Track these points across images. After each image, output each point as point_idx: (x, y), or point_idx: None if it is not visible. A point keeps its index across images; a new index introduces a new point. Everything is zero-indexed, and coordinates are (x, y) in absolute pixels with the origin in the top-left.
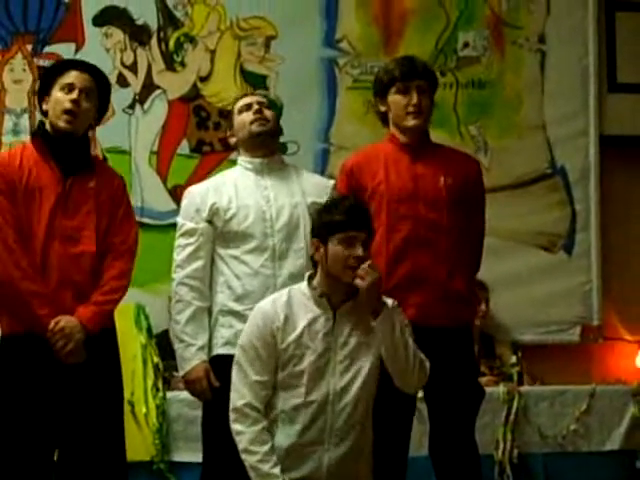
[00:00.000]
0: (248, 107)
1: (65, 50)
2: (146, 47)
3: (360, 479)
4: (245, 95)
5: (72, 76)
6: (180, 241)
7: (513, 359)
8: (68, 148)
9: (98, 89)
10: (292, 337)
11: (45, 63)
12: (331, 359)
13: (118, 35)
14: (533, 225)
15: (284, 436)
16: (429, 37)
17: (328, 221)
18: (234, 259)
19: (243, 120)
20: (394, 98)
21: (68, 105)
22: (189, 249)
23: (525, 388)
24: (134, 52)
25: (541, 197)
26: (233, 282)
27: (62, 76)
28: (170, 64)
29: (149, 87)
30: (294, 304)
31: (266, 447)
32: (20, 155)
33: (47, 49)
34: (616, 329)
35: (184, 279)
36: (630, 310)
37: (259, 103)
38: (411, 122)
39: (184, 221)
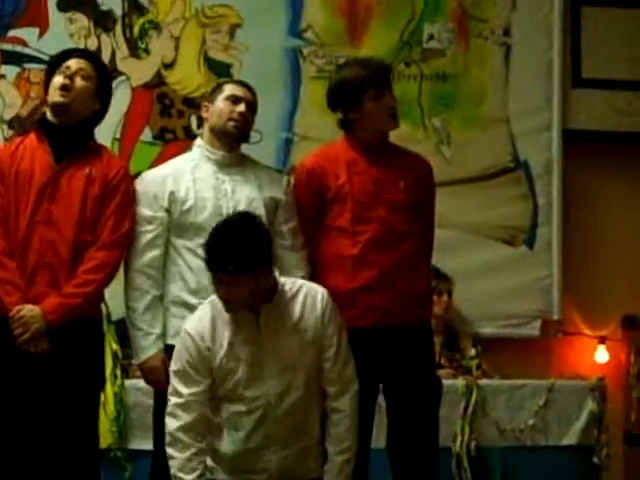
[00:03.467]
0: (236, 101)
1: (29, 34)
2: (110, 33)
3: (310, 474)
4: (240, 83)
5: (69, 62)
6: (136, 228)
7: (472, 352)
8: (64, 133)
9: (97, 77)
10: (222, 352)
11: (9, 47)
12: (264, 364)
13: (82, 21)
14: (495, 218)
15: (229, 442)
16: (394, 28)
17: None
18: (188, 251)
19: (224, 110)
20: (370, 105)
21: (62, 81)
22: (147, 237)
23: (484, 381)
24: (98, 38)
25: (504, 190)
26: (187, 275)
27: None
28: (134, 50)
29: (113, 73)
30: (217, 318)
31: (192, 475)
32: (19, 143)
33: (11, 33)
34: (576, 324)
35: (141, 267)
36: (590, 305)
37: (247, 104)
38: (391, 125)
39: (141, 208)
